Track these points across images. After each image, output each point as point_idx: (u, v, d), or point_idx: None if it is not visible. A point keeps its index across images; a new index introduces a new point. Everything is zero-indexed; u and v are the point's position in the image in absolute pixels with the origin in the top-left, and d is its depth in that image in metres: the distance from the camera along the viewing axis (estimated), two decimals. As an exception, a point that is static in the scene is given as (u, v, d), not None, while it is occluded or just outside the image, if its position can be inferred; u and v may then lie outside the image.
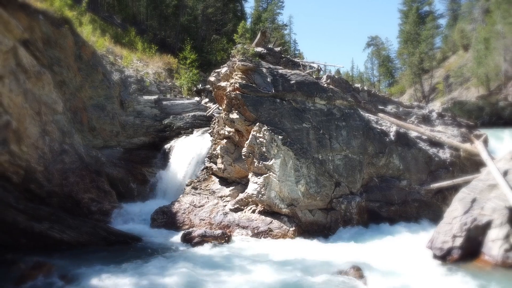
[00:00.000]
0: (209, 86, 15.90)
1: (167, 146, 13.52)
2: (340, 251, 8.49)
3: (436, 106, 27.37)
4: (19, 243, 8.31)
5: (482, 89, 23.28)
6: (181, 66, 18.38)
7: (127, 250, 8.45)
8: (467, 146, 11.67)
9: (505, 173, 9.06)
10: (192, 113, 14.57)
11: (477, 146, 11.01)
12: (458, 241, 8.16)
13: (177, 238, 9.32)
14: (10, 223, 8.14)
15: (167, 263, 7.50)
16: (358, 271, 6.89)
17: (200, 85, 18.00)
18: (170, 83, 16.69)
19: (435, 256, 8.13)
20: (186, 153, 13.02)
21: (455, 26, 34.58)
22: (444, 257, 8.05)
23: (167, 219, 10.49)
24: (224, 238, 9.07)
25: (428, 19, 34.46)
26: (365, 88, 13.18)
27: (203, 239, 8.93)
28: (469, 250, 8.08)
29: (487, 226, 8.27)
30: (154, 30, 26.19)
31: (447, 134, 13.06)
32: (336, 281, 6.66)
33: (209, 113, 14.63)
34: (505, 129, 16.64)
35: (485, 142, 13.14)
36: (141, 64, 16.50)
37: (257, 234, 9.58)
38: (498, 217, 8.26)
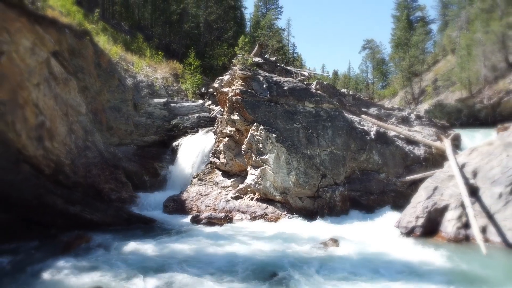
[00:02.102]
0: (211, 89, 17.61)
1: (175, 143, 15.12)
2: (323, 230, 10.12)
3: (424, 107, 29.15)
4: (57, 222, 9.94)
5: (465, 92, 25.01)
6: (186, 72, 20.07)
7: (146, 229, 10.10)
8: (437, 144, 13.37)
9: (462, 166, 10.77)
10: (197, 114, 16.26)
11: (445, 144, 12.70)
12: (420, 221, 9.84)
13: (187, 220, 11.01)
14: (50, 206, 9.79)
15: (181, 237, 9.17)
16: (335, 242, 8.58)
17: (204, 88, 19.69)
18: (176, 87, 18.39)
19: (401, 233, 9.81)
20: (192, 149, 14.65)
21: (445, 32, 36.38)
22: (408, 233, 9.71)
23: (177, 205, 12.16)
24: (227, 220, 10.78)
25: (418, 25, 36.22)
26: (350, 92, 14.89)
27: (209, 220, 10.63)
28: (429, 229, 9.74)
29: (444, 209, 9.96)
30: (158, 36, 27.88)
31: (423, 133, 14.78)
32: (317, 249, 8.35)
33: (213, 114, 16.31)
34: (480, 129, 18.36)
35: (457, 140, 14.90)
36: (150, 70, 18.19)
37: (255, 217, 11.24)
38: (453, 201, 9.95)
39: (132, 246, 8.33)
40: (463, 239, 9.14)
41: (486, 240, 8.82)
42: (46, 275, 6.77)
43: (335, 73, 79.88)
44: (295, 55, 56.16)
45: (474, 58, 23.13)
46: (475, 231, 8.30)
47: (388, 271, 7.04)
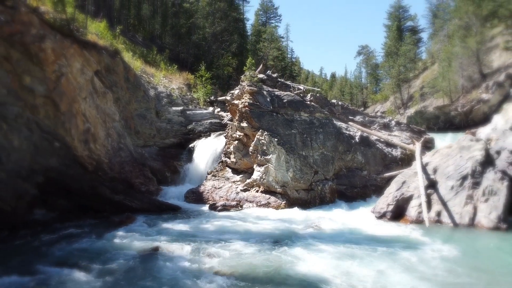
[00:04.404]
0: (220, 98, 20.26)
1: (191, 145, 17.73)
2: (315, 215, 12.78)
3: (412, 112, 31.87)
4: (105, 208, 12.57)
5: (447, 100, 27.75)
6: (197, 82, 22.73)
7: (175, 214, 12.75)
8: (410, 146, 16.09)
9: (426, 164, 13.48)
10: (209, 120, 18.92)
11: (415, 147, 15.40)
12: (390, 207, 12.54)
13: (205, 208, 13.67)
14: (101, 195, 12.44)
15: (203, 219, 11.82)
16: (323, 222, 11.27)
17: (213, 96, 22.37)
18: (190, 96, 21.05)
19: (375, 217, 12.51)
20: (206, 150, 17.27)
21: (433, 40, 39.17)
22: (380, 217, 12.40)
23: (196, 196, 14.81)
24: (238, 207, 13.45)
25: (407, 35, 39.00)
26: (340, 103, 17.59)
27: (224, 207, 13.31)
28: (397, 214, 12.42)
29: (410, 198, 12.65)
30: (169, 46, 30.51)
31: (401, 137, 17.50)
32: (309, 227, 11.03)
33: (224, 121, 18.98)
34: (453, 133, 21.06)
35: (430, 143, 17.61)
36: (167, 81, 20.83)
37: (260, 206, 13.89)
38: (417, 192, 12.61)
39: (168, 224, 10.98)
40: (422, 221, 11.79)
41: (440, 221, 11.56)
42: (110, 241, 9.38)
43: (333, 75, 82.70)
44: (293, 59, 58.91)
45: (453, 69, 25.84)
46: (424, 212, 11.03)
47: (360, 240, 9.72)
